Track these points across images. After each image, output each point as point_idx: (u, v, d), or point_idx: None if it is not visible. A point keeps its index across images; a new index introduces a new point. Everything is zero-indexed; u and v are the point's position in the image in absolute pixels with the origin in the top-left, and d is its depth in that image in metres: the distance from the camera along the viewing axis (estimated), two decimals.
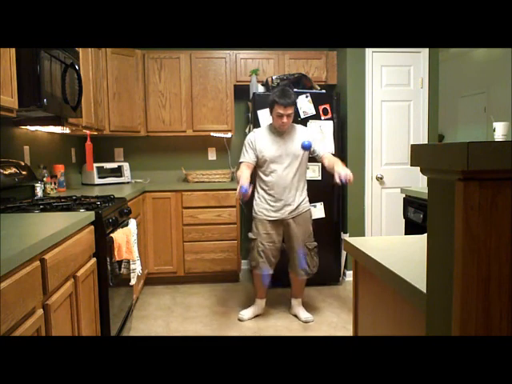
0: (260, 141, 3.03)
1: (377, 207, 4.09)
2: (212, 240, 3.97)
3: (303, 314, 3.20)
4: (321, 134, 3.78)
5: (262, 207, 3.07)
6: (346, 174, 2.72)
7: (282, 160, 2.99)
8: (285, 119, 2.92)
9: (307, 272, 3.14)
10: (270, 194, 3.04)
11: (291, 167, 3.00)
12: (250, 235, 3.14)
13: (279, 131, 3.02)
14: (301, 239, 3.08)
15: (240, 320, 3.15)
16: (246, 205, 3.30)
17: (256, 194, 3.13)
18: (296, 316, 3.22)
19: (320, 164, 3.80)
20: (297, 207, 3.05)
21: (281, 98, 2.90)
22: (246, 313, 3.20)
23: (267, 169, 3.02)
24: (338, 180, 2.73)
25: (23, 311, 1.38)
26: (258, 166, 3.07)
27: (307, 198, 3.15)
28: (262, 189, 3.08)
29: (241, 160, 3.08)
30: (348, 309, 3.35)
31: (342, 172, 2.74)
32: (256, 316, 3.24)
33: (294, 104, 2.97)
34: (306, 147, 2.95)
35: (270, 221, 3.05)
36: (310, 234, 3.13)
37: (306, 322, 3.14)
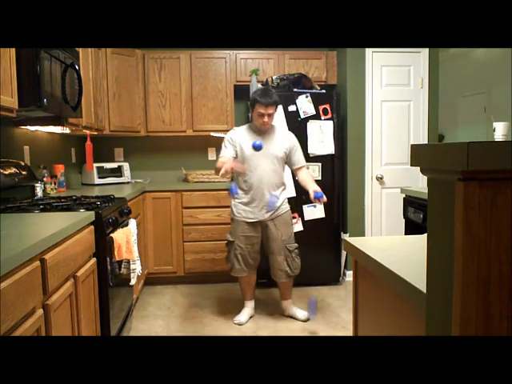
0: (240, 139, 3.01)
1: (377, 207, 4.09)
2: (212, 240, 3.97)
3: (299, 312, 3.18)
4: (322, 134, 3.79)
5: (241, 208, 3.04)
6: (323, 195, 2.83)
7: (262, 160, 2.95)
8: (266, 118, 2.91)
9: (288, 274, 3.10)
10: (248, 195, 3.01)
11: (270, 168, 2.98)
12: (228, 237, 3.12)
13: (260, 131, 3.01)
14: (280, 241, 3.05)
15: (239, 324, 3.12)
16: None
17: (235, 195, 3.09)
18: (292, 317, 3.20)
19: (320, 164, 3.81)
20: (276, 209, 3.02)
21: (262, 97, 2.89)
22: (242, 317, 3.17)
23: (246, 169, 2.98)
24: (312, 197, 2.83)
25: (23, 311, 1.38)
26: (237, 167, 3.03)
27: (286, 200, 3.13)
28: (242, 189, 3.03)
29: (220, 155, 3.03)
30: (348, 309, 3.35)
31: (319, 191, 2.84)
32: (250, 317, 3.22)
33: (276, 104, 2.94)
34: (257, 147, 2.78)
35: (248, 222, 3.03)
36: (290, 236, 3.10)
37: (305, 321, 3.12)
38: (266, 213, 3.00)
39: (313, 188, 2.87)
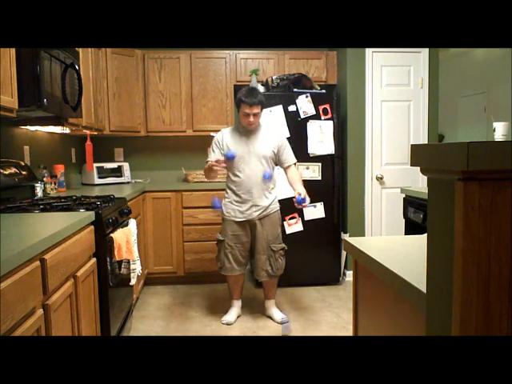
0: (227, 140, 3.02)
1: (377, 207, 4.09)
2: (212, 240, 3.95)
3: (278, 314, 3.17)
4: (322, 134, 3.79)
5: (230, 208, 3.05)
6: (306, 198, 2.82)
7: (250, 159, 2.97)
8: (251, 118, 2.91)
9: (269, 274, 3.10)
10: (237, 195, 3.01)
11: (259, 167, 2.98)
12: (219, 236, 3.13)
13: (247, 131, 3.01)
14: (266, 241, 3.05)
15: (228, 324, 3.12)
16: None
17: (225, 195, 3.11)
18: (271, 317, 3.19)
19: (320, 164, 3.81)
20: (265, 208, 3.02)
21: (247, 97, 2.89)
22: (230, 316, 3.17)
23: (235, 168, 2.99)
24: (296, 196, 2.83)
25: (23, 311, 1.38)
26: (226, 166, 3.05)
27: (276, 199, 3.12)
28: (231, 189, 3.05)
29: (207, 159, 3.07)
30: (348, 309, 3.35)
31: (303, 194, 2.83)
32: (238, 317, 3.22)
33: (261, 104, 2.94)
34: (266, 178, 2.95)
35: (237, 222, 3.03)
36: (277, 236, 3.09)
37: (281, 323, 3.08)
38: (254, 212, 3.00)
39: (297, 190, 2.87)
